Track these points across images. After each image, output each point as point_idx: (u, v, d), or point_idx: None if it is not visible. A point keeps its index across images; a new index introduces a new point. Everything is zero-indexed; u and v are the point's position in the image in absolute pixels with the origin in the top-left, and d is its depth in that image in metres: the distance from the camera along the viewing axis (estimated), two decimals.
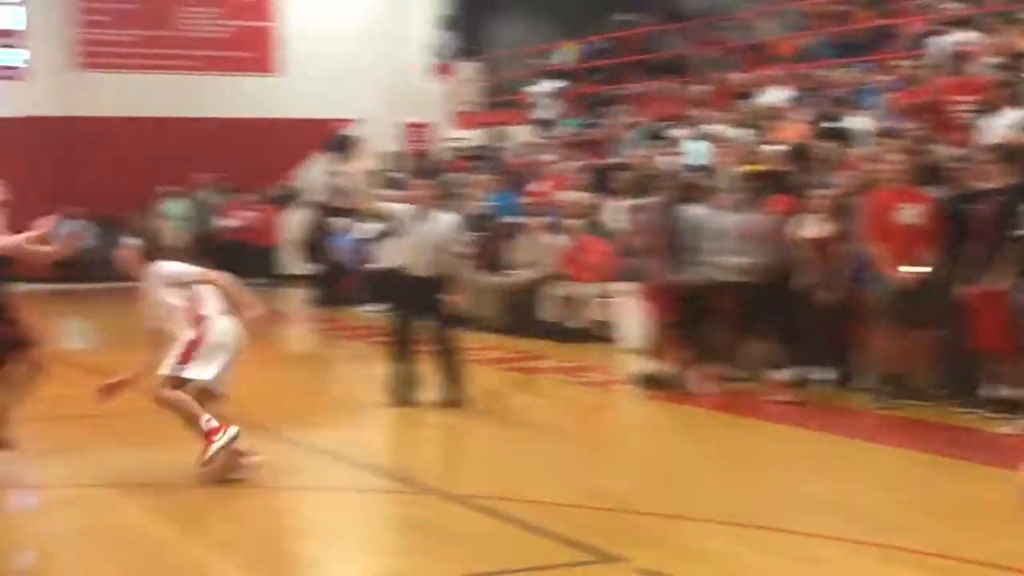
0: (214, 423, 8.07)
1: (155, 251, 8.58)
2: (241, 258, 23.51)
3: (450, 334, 11.06)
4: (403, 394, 10.99)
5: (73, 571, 6.63)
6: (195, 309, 8.29)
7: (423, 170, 23.20)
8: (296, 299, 20.82)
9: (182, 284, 8.34)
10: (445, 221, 11.01)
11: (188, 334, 8.21)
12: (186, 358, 8.16)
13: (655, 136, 18.14)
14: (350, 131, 25.77)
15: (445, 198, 11.14)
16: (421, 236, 10.90)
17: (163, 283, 8.33)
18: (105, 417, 10.60)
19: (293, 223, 22.38)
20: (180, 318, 8.28)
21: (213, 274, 8.52)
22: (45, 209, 21.21)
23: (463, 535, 7.01)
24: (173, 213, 24.51)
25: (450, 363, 11.02)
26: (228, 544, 6.93)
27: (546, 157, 18.91)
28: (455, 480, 8.48)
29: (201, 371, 8.17)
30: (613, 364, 13.70)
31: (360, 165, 24.37)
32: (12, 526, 7.63)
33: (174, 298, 8.31)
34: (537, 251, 15.99)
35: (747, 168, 12.45)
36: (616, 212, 16.18)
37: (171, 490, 8.00)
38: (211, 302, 8.34)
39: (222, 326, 8.29)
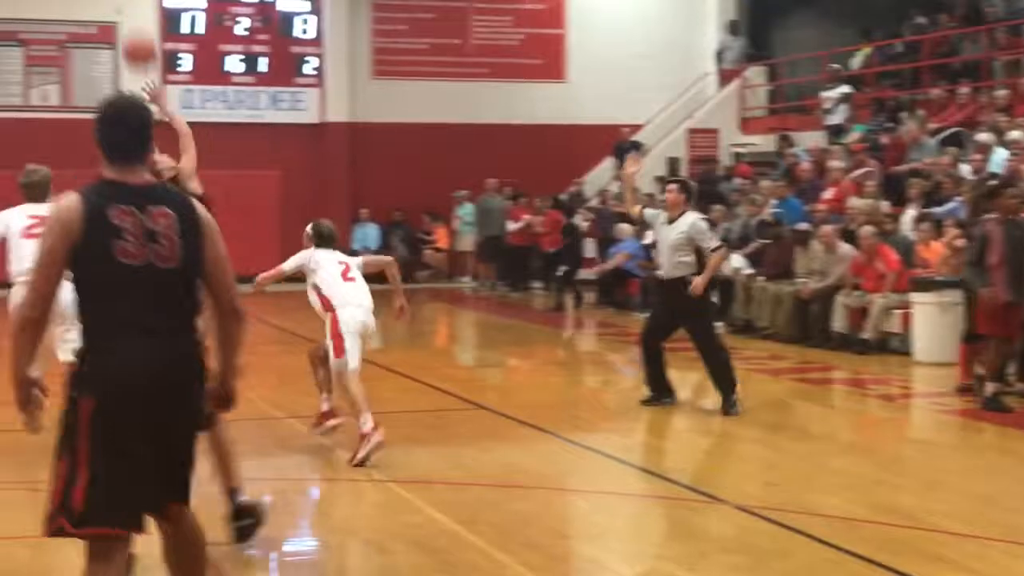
0: (370, 425, 8.68)
1: (321, 240, 9.43)
2: (526, 262, 23.97)
3: (704, 337, 11.05)
4: (656, 395, 11.17)
5: (367, 565, 6.81)
6: (328, 298, 9.16)
7: (706, 176, 23.06)
8: (579, 303, 20.94)
9: (318, 271, 9.23)
10: (686, 223, 10.88)
11: (327, 324, 9.16)
12: (340, 351, 8.97)
13: (952, 142, 17.50)
14: (636, 137, 25.79)
15: (691, 201, 11.02)
16: (663, 239, 11.02)
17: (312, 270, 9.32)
18: (400, 414, 10.90)
19: (577, 228, 22.51)
20: (318, 306, 9.28)
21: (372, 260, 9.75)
22: (340, 211, 22.07)
23: (748, 545, 6.88)
24: (463, 217, 25.11)
25: (710, 366, 10.99)
26: (511, 543, 6.98)
27: (836, 163, 18.45)
28: (737, 488, 8.33)
29: (352, 360, 9.01)
30: (905, 377, 13.24)
31: (643, 170, 24.41)
32: (315, 515, 7.89)
33: (313, 286, 9.29)
34: (827, 259, 15.60)
35: None
36: (909, 220, 15.68)
37: (455, 488, 8.13)
38: (343, 291, 9.17)
39: (347, 314, 9.09)
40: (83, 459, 4.50)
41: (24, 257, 8.99)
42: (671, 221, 10.95)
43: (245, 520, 6.74)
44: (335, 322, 9.08)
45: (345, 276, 9.40)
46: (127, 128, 4.78)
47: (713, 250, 10.88)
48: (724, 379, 10.90)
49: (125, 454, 4.51)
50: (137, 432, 4.52)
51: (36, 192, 9.92)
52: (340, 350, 9.01)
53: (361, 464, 8.61)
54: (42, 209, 9.49)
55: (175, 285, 4.62)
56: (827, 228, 15.75)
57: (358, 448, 8.71)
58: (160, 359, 4.55)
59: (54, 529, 4.54)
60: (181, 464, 4.76)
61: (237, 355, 4.87)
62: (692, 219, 10.95)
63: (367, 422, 8.73)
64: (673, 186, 11.18)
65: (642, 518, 7.88)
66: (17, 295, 8.99)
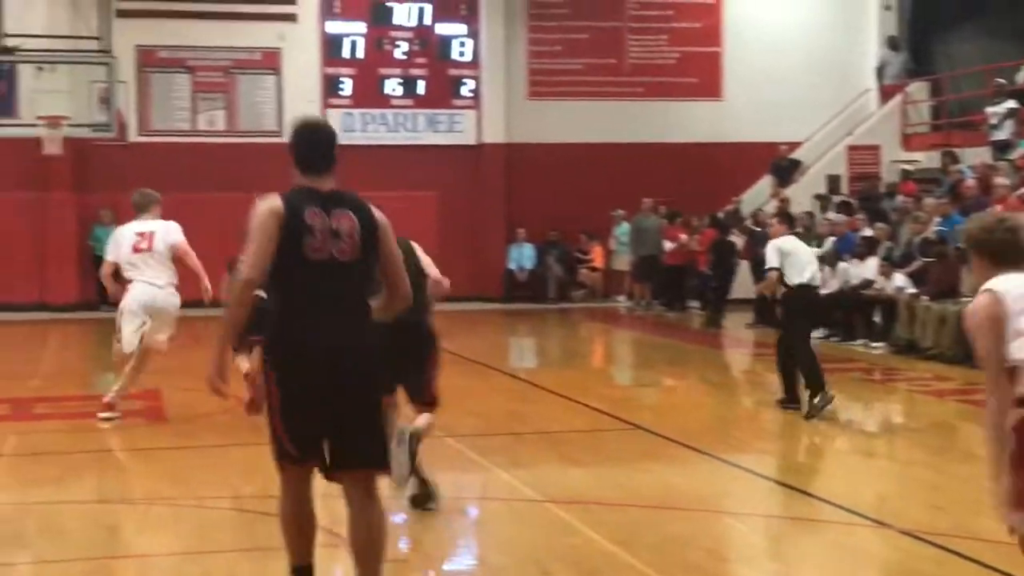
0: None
1: None
2: (683, 281, 23.84)
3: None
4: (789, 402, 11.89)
5: None
6: None
7: (868, 193, 22.67)
8: (736, 322, 20.75)
9: None
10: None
11: None
12: None
13: None
14: (794, 155, 25.50)
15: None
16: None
17: None
18: (556, 434, 10.94)
19: (733, 246, 22.32)
20: None
21: None
22: (496, 231, 22.27)
23: (913, 571, 6.74)
24: (619, 236, 25.10)
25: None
26: (669, 564, 6.94)
27: (1002, 180, 17.98)
28: (900, 512, 8.16)
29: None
30: None
31: (801, 189, 24.10)
32: (480, 534, 7.96)
33: None
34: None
35: None
36: None
37: (611, 508, 8.12)
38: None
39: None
40: (276, 414, 5.48)
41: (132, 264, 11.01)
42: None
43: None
44: None
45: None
46: (318, 145, 5.73)
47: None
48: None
49: (306, 411, 5.41)
50: (317, 394, 5.38)
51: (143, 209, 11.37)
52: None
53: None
54: (148, 225, 11.21)
55: (352, 276, 5.48)
56: None
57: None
58: (336, 339, 5.38)
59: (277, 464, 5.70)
60: (364, 424, 5.51)
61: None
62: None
63: None
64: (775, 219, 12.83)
65: (801, 541, 7.77)
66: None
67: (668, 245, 23.73)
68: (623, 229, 25.05)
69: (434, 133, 25.69)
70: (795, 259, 11.88)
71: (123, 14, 23.77)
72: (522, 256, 25.63)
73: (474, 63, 25.77)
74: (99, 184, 24.03)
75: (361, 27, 25.33)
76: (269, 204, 5.45)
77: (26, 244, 23.88)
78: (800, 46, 26.61)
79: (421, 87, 25.56)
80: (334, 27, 25.25)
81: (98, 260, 23.91)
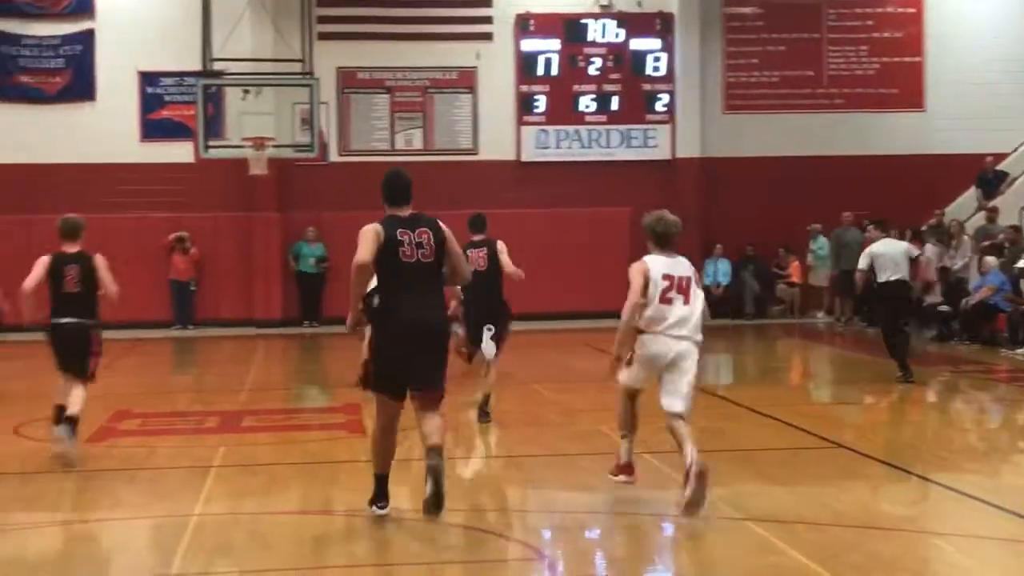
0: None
1: None
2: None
3: None
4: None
5: None
6: None
7: None
8: (934, 338, 20.19)
9: None
10: None
11: None
12: None
13: None
14: (1001, 166, 24.71)
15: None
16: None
17: None
18: (755, 452, 10.82)
19: (935, 260, 21.74)
20: None
21: None
22: (692, 246, 21.96)
23: None
24: (816, 251, 24.67)
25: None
26: None
27: None
28: None
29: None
30: None
31: (1008, 202, 23.33)
32: (676, 551, 7.91)
33: None
34: None
35: None
36: None
37: (814, 528, 7.98)
38: None
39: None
40: (378, 367, 8.39)
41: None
42: None
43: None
44: None
45: None
46: (399, 187, 8.63)
47: None
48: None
49: (403, 365, 8.17)
50: (415, 353, 8.14)
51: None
52: None
53: None
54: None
55: (433, 273, 8.32)
56: None
57: None
58: (428, 313, 8.23)
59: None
60: (432, 368, 8.26)
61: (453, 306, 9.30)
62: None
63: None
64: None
65: (1012, 564, 7.50)
66: None
67: None
68: (820, 243, 24.62)
69: (628, 149, 25.68)
70: (882, 260, 14.78)
71: (324, 36, 24.39)
72: (718, 271, 25.41)
73: (668, 78, 25.68)
74: (301, 203, 24.70)
75: (555, 44, 25.49)
76: (374, 227, 8.26)
77: (233, 262, 24.68)
78: (1007, 53, 25.81)
79: (615, 103, 25.59)
80: (529, 45, 25.47)
81: (299, 276, 24.66)
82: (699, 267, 25.53)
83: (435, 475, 7.95)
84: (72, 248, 10.78)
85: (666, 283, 8.65)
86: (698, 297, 8.85)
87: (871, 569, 7.05)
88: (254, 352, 20.28)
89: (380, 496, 8.35)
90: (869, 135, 25.84)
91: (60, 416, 10.48)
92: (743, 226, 25.26)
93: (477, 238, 12.78)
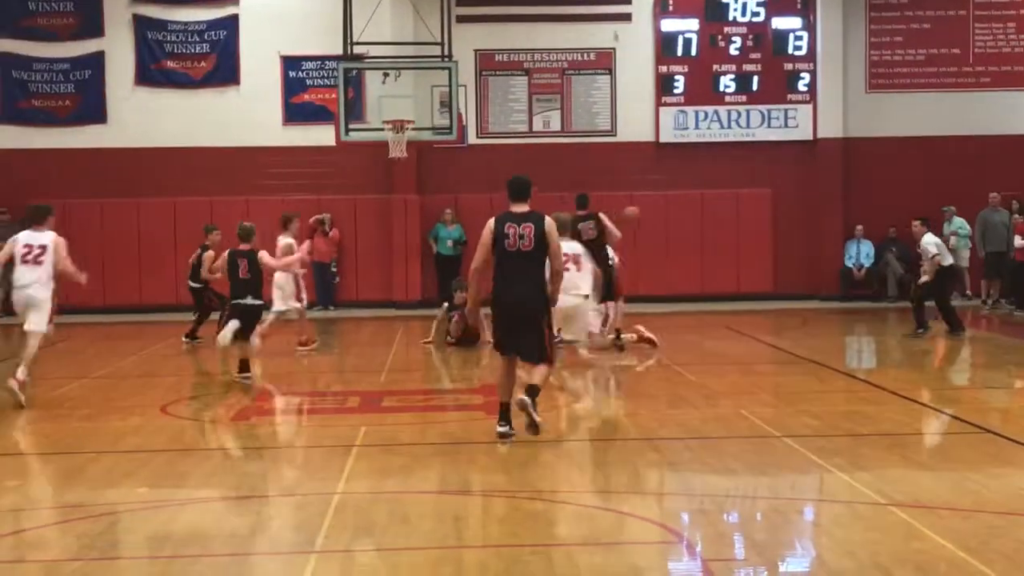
0: None
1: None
2: None
3: None
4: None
5: None
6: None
7: None
8: None
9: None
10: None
11: None
12: None
13: None
14: None
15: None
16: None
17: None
18: (899, 436, 10.61)
19: None
20: None
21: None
22: (833, 228, 21.78)
23: None
24: (957, 231, 24.05)
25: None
26: None
27: None
28: None
29: None
30: None
31: None
32: (823, 536, 7.80)
33: None
34: None
35: None
36: None
37: (960, 514, 7.80)
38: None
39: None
40: (495, 331, 10.67)
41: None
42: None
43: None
44: None
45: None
46: (514, 188, 10.47)
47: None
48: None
49: (511, 331, 10.37)
50: (517, 323, 10.29)
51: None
52: None
53: None
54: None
55: (533, 259, 10.21)
56: None
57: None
58: (525, 291, 10.21)
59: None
60: (535, 339, 10.31)
61: (557, 288, 10.44)
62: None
63: None
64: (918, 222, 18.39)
65: None
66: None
67: (1019, 241, 22.57)
68: (957, 224, 23.97)
69: (768, 129, 25.36)
70: (943, 249, 18.36)
71: (463, 19, 24.50)
72: (860, 253, 25.00)
73: (810, 56, 25.30)
74: (439, 185, 24.88)
75: (695, 24, 25.26)
76: (488, 224, 10.30)
77: (374, 244, 24.98)
78: None
79: (755, 83, 25.29)
80: (668, 25, 25.28)
81: (438, 258, 24.84)
82: (839, 250, 25.17)
83: (522, 407, 10.11)
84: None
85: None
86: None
87: (1021, 557, 6.86)
88: (393, 333, 20.48)
89: (503, 419, 10.38)
90: (1016, 114, 25.19)
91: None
92: (886, 207, 24.80)
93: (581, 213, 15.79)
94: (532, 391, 10.18)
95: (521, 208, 10.28)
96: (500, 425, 10.38)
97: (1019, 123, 25.11)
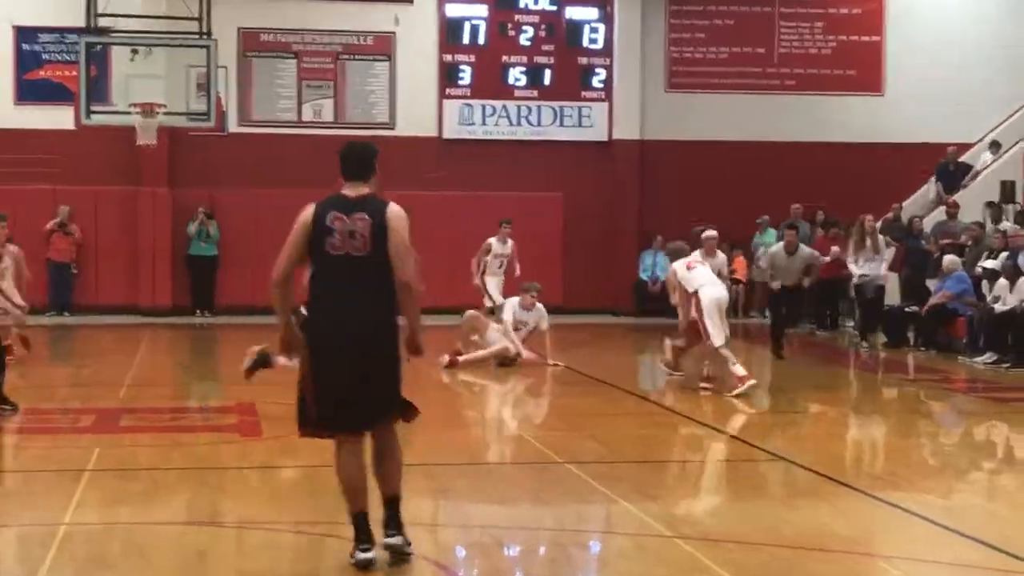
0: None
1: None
2: (836, 298, 23.48)
3: None
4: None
5: None
6: None
7: None
8: (887, 344, 20.40)
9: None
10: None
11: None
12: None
13: None
14: (964, 158, 25.01)
15: None
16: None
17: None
18: (690, 463, 10.84)
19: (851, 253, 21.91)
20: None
21: None
22: (627, 237, 22.17)
23: None
24: (766, 244, 24.74)
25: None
26: None
27: None
28: None
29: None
30: None
31: (971, 196, 23.61)
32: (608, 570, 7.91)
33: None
34: None
35: None
36: None
37: (747, 548, 8.02)
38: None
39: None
40: (315, 392, 7.37)
41: None
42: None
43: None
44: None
45: None
46: (351, 156, 7.73)
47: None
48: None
49: (340, 387, 7.29)
50: (348, 371, 7.26)
51: None
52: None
53: None
54: None
55: (371, 267, 7.27)
56: None
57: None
58: (359, 319, 7.28)
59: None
60: (382, 390, 7.37)
61: (414, 319, 7.41)
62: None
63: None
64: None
65: None
66: None
67: (821, 256, 23.32)
68: (770, 236, 24.72)
69: (561, 128, 25.73)
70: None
71: None
72: (656, 265, 25.52)
73: (606, 51, 25.77)
74: (194, 178, 24.48)
75: (483, 10, 25.47)
76: (304, 211, 7.44)
77: (118, 242, 24.40)
78: (973, 35, 26.20)
79: (547, 77, 25.63)
80: (454, 10, 25.44)
81: (190, 260, 24.43)
82: (634, 261, 25.67)
83: (393, 550, 7.43)
84: None
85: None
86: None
87: None
88: (138, 343, 20.05)
89: (361, 538, 7.38)
90: (823, 120, 26.09)
91: None
92: (685, 216, 25.28)
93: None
94: (394, 508, 7.51)
95: (358, 191, 7.46)
96: (359, 549, 7.37)
97: (824, 130, 25.98)
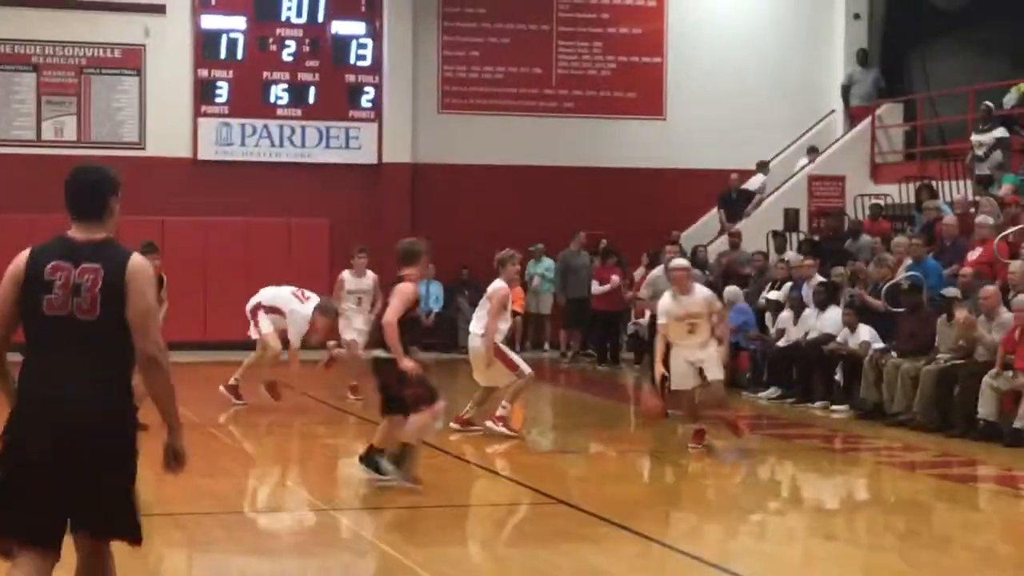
0: None
1: None
2: (616, 329, 23.90)
3: None
4: None
5: None
6: None
7: (831, 232, 22.93)
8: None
9: None
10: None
11: None
12: None
13: None
14: (747, 185, 25.70)
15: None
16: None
17: None
18: (463, 508, 10.87)
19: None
20: None
21: None
22: (393, 265, 22.00)
23: None
24: (543, 274, 25.03)
25: None
26: None
27: (984, 218, 18.31)
28: None
29: None
30: None
31: (755, 224, 24.29)
32: None
33: None
34: (972, 333, 15.44)
35: None
36: None
37: None
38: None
39: None
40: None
41: None
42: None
43: None
44: None
45: None
46: (76, 189, 6.02)
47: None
48: None
49: (40, 484, 5.68)
50: (62, 469, 5.67)
51: None
52: None
53: None
54: None
55: (99, 335, 5.77)
56: (989, 289, 15.61)
57: None
58: (77, 401, 5.71)
59: None
60: (109, 500, 5.76)
61: (167, 406, 5.89)
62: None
63: None
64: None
65: None
66: None
67: (598, 288, 23.73)
68: (545, 265, 25.01)
69: (327, 150, 25.65)
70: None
71: None
72: (429, 296, 25.59)
73: (375, 69, 25.78)
74: None
75: (241, 22, 25.27)
76: (16, 260, 5.92)
77: None
78: (755, 59, 26.93)
79: (312, 95, 25.53)
80: (210, 21, 25.18)
81: None
82: None
83: None
84: None
85: None
86: None
87: None
88: None
89: None
90: (603, 144, 26.46)
91: None
92: (459, 244, 25.39)
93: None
94: None
95: (89, 234, 5.96)
96: None
97: (604, 155, 26.33)
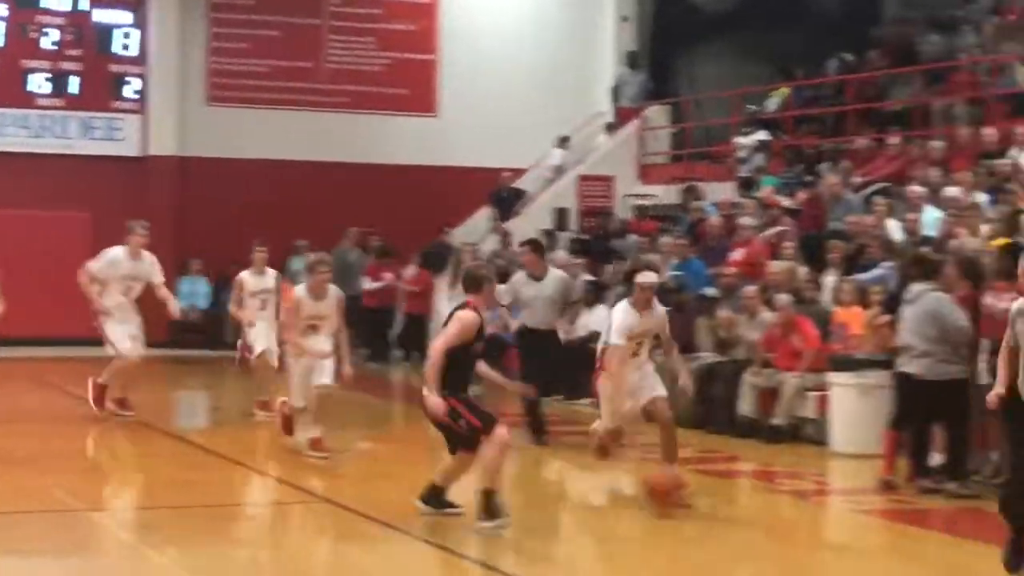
0: None
1: None
2: (386, 327, 23.94)
3: None
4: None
5: None
6: None
7: (599, 231, 23.32)
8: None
9: None
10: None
11: None
12: None
13: (879, 199, 17.93)
14: (518, 183, 25.95)
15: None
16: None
17: None
18: (227, 508, 10.83)
19: (445, 287, 22.59)
20: None
21: None
22: (163, 263, 21.60)
23: None
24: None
25: None
26: None
27: (747, 219, 18.83)
28: None
29: None
30: (821, 470, 13.51)
31: (526, 223, 24.55)
32: None
33: None
34: (734, 331, 15.87)
35: (996, 242, 12.26)
36: (829, 288, 16.03)
37: None
38: None
39: None
40: None
41: None
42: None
43: None
44: None
45: None
46: None
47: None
48: None
49: None
50: None
51: None
52: None
53: None
54: None
55: None
56: (751, 289, 16.03)
57: None
58: None
59: None
60: None
61: None
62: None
63: None
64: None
65: None
66: None
67: (368, 285, 23.73)
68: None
69: (89, 141, 25.20)
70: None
71: None
72: (195, 293, 25.30)
73: (141, 59, 25.41)
74: None
75: (2, 9, 24.65)
76: None
77: None
78: (527, 59, 27.21)
79: (74, 85, 25.05)
80: None
81: None
82: (172, 287, 25.30)
83: None
84: None
85: None
86: None
87: None
88: None
89: None
90: (374, 140, 26.46)
91: None
92: (227, 240, 25.06)
93: None
94: None
95: None
96: None
97: (375, 150, 26.32)
